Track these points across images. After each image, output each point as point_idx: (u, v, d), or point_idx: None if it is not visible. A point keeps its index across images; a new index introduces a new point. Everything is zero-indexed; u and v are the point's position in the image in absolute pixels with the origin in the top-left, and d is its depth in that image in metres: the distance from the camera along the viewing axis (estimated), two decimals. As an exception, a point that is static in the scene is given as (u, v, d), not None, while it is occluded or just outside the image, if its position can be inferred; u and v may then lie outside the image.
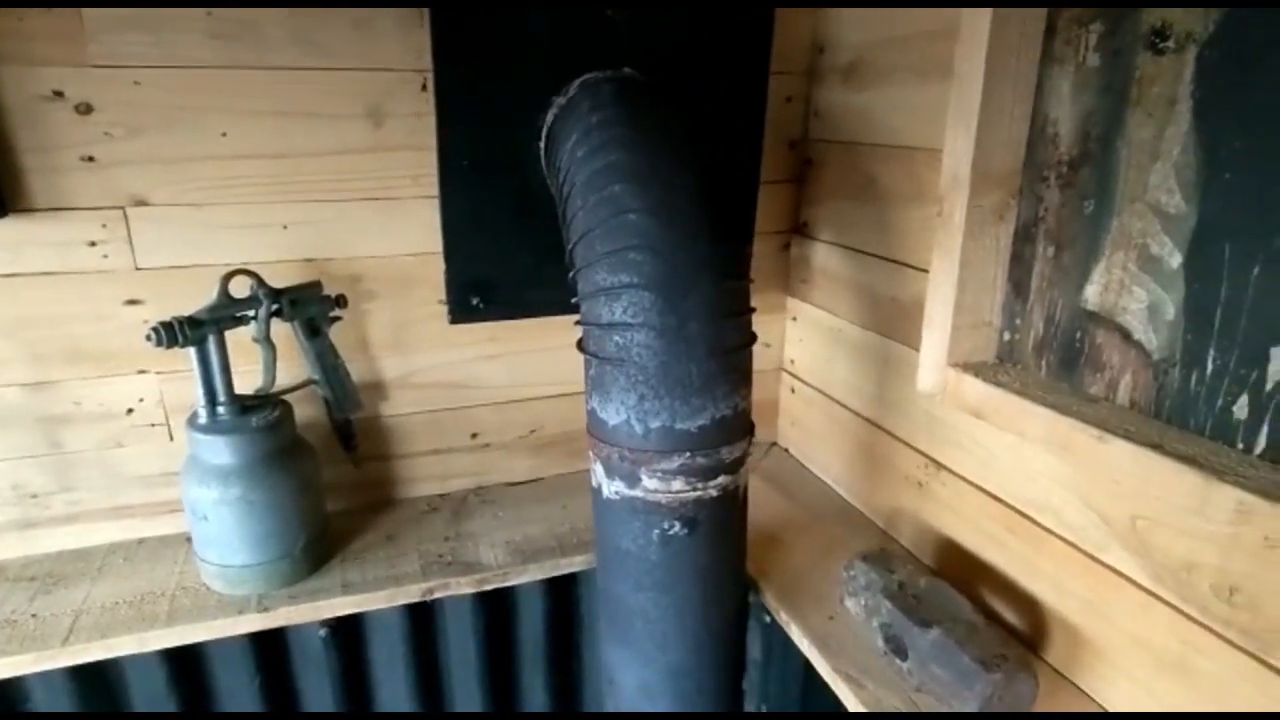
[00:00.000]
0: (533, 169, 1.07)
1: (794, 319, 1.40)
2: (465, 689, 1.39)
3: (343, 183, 1.11)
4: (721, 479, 0.89)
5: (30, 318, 1.04)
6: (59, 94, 0.97)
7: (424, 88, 1.10)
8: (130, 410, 1.12)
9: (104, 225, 1.04)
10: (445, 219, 1.08)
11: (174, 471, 1.16)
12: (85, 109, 0.99)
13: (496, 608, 1.31)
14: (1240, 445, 0.67)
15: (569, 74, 1.03)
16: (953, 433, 1.04)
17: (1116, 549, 0.82)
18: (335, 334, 1.13)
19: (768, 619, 1.24)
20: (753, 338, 0.90)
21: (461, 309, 1.12)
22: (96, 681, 1.14)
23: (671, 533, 0.90)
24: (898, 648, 0.91)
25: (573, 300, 0.92)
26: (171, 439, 1.15)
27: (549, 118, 1.02)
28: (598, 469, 0.92)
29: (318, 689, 1.31)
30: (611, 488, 0.90)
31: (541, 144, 1.05)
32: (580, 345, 0.91)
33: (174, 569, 1.13)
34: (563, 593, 1.34)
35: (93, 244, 1.04)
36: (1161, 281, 0.72)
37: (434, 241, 1.16)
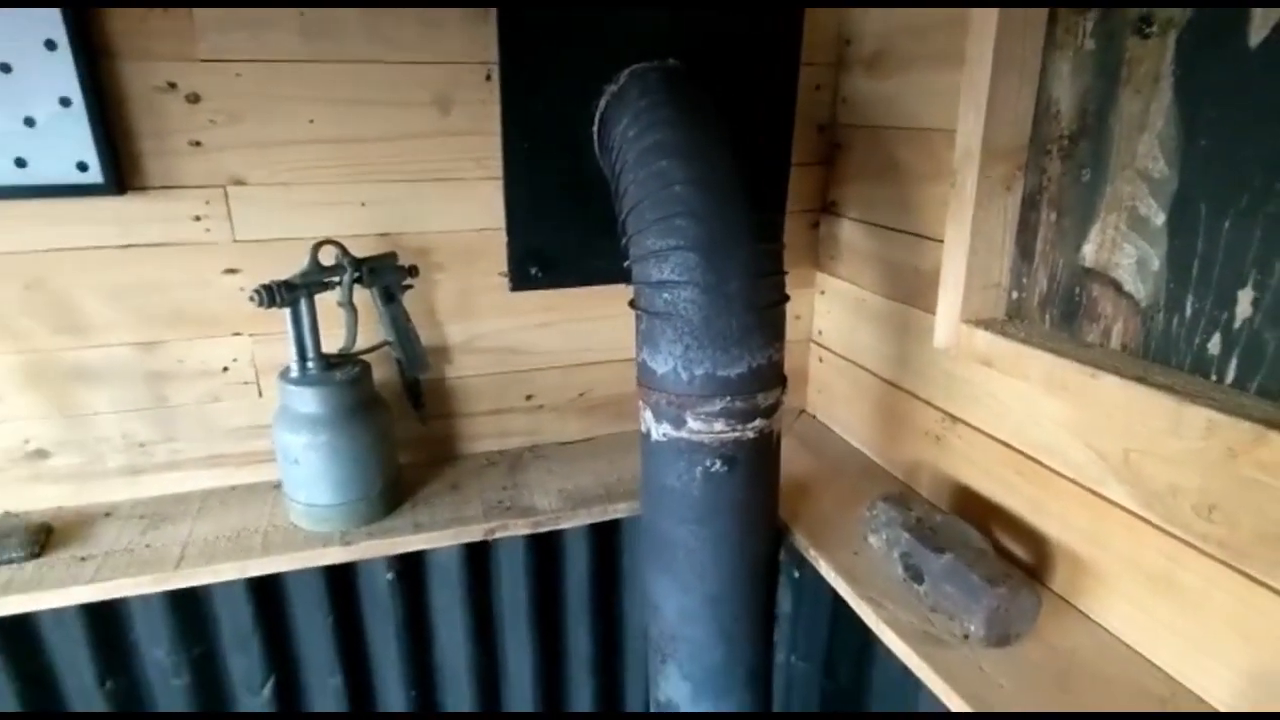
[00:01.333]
0: (586, 151, 1.19)
1: (822, 293, 1.51)
2: (516, 632, 1.52)
3: (413, 164, 1.23)
4: (758, 422, 1.00)
5: (141, 284, 1.18)
6: (172, 85, 1.11)
7: (488, 78, 1.22)
8: (226, 369, 1.26)
9: (207, 202, 1.17)
10: (508, 196, 1.20)
11: (263, 425, 1.30)
12: (194, 98, 1.12)
13: (546, 555, 1.43)
14: (1214, 377, 0.77)
15: (619, 65, 1.15)
16: (968, 388, 1.14)
17: (1113, 482, 0.92)
18: (407, 301, 1.26)
19: (796, 574, 1.35)
20: (785, 296, 1.01)
21: (521, 278, 1.24)
22: (191, 611, 1.29)
23: (713, 470, 1.01)
24: (915, 574, 1.01)
25: (625, 264, 1.03)
26: (260, 395, 1.29)
27: (601, 104, 1.14)
28: (647, 414, 1.04)
29: (383, 629, 1.44)
30: (659, 430, 1.02)
31: (595, 128, 1.16)
32: (632, 303, 1.03)
33: (264, 511, 1.26)
34: (607, 541, 1.46)
35: (197, 219, 1.17)
36: (1148, 238, 0.82)
37: (495, 219, 1.29)
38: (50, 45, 1.02)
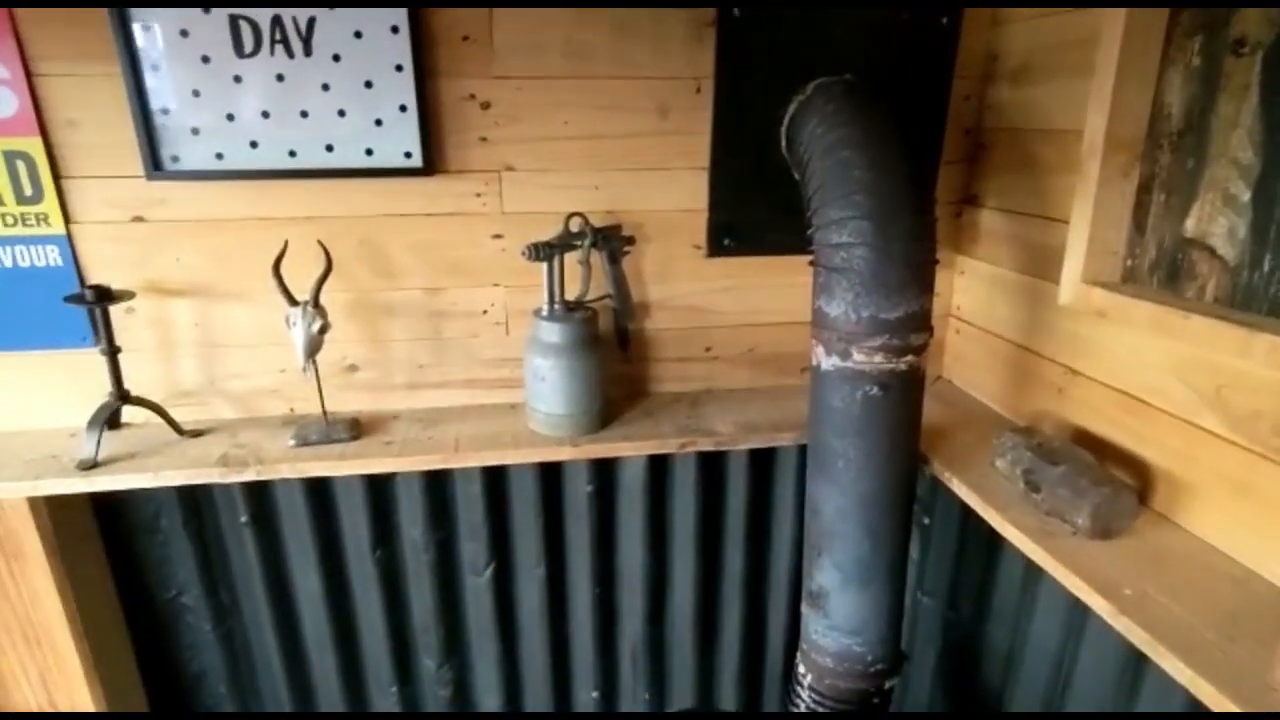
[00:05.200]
0: (772, 147, 1.51)
1: (961, 273, 1.76)
2: (683, 546, 1.85)
3: (636, 157, 1.58)
4: (909, 358, 1.28)
5: (435, 243, 1.59)
6: (472, 96, 1.51)
7: (698, 90, 1.55)
8: (485, 311, 1.65)
9: (486, 183, 1.56)
10: (712, 180, 1.54)
11: (508, 357, 1.68)
12: (485, 106, 1.52)
13: (713, 479, 1.75)
14: (1284, 317, 1.00)
15: (805, 79, 1.46)
16: (1088, 345, 1.37)
17: (1206, 413, 1.14)
18: (624, 264, 1.61)
19: (926, 521, 1.61)
20: (936, 259, 1.29)
21: (716, 246, 1.58)
22: (440, 501, 1.69)
23: (871, 394, 1.29)
24: (1034, 486, 1.26)
25: (808, 232, 1.34)
26: (508, 334, 1.67)
27: (791, 109, 1.45)
28: (819, 350, 1.33)
29: (579, 533, 1.80)
30: (829, 362, 1.31)
31: (783, 128, 1.47)
32: (812, 262, 1.33)
33: (508, 423, 1.63)
34: (764, 473, 1.77)
35: (478, 195, 1.57)
36: (1237, 211, 1.05)
37: (693, 202, 1.62)
38: (399, 68, 1.44)
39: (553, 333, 1.51)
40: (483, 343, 1.68)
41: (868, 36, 1.49)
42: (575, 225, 1.53)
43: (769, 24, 1.46)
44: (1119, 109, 1.17)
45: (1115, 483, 1.16)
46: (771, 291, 1.73)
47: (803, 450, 1.64)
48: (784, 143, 1.49)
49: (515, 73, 1.50)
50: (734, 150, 1.52)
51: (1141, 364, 1.24)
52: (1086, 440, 1.38)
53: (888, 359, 1.27)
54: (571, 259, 1.54)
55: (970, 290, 1.73)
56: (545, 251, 1.46)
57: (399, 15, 1.40)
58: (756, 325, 1.76)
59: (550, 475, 1.74)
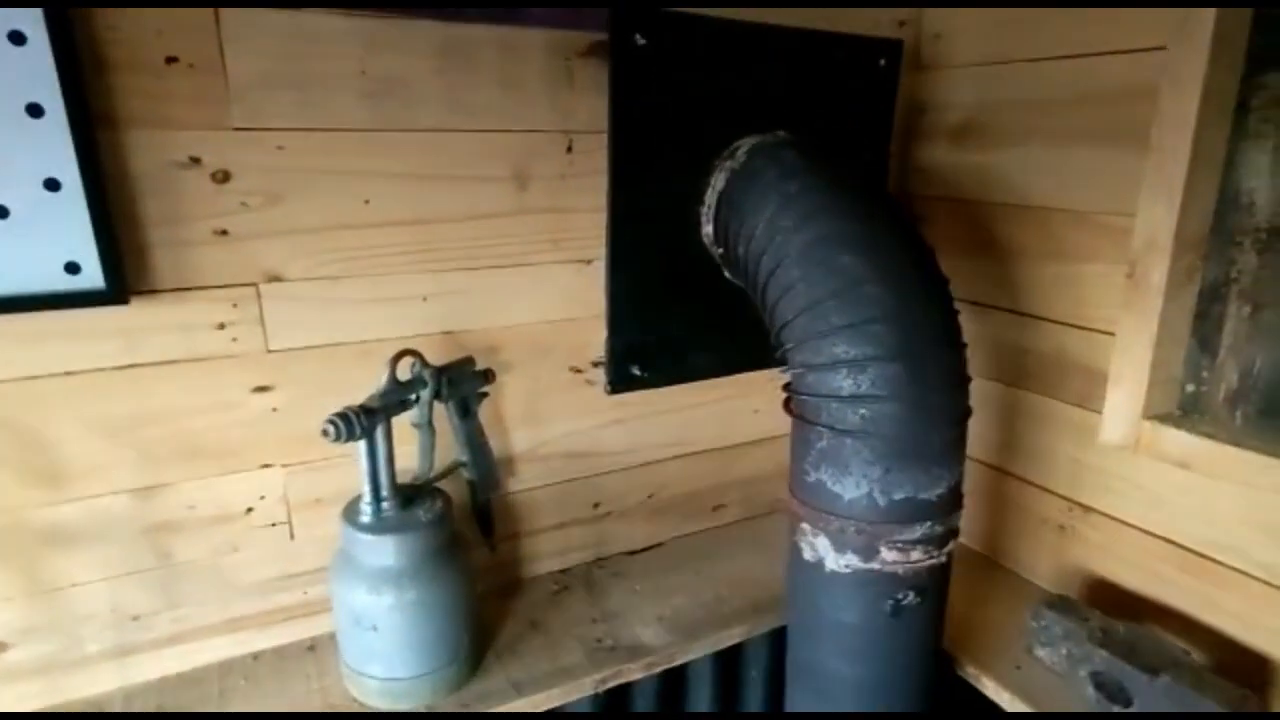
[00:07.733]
0: (691, 234, 1.05)
1: (885, 366, 1.43)
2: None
3: (484, 248, 1.04)
4: (951, 545, 0.90)
5: (146, 414, 0.91)
6: (195, 160, 0.86)
7: (568, 149, 1.05)
8: (250, 509, 1.00)
9: (234, 305, 0.92)
10: (611, 285, 1.02)
11: (291, 574, 1.05)
12: (222, 177, 0.88)
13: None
14: None
15: (727, 136, 1.02)
16: (1100, 476, 1.09)
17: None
18: (481, 412, 1.05)
19: None
20: (971, 408, 0.91)
21: (622, 378, 1.06)
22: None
23: (904, 602, 0.88)
24: (1114, 694, 0.93)
25: (784, 369, 0.90)
26: (292, 538, 1.03)
27: (719, 181, 1.00)
28: (820, 542, 0.89)
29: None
30: (841, 561, 0.88)
31: (707, 207, 1.02)
32: (792, 410, 0.89)
33: (309, 685, 1.00)
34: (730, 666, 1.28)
35: (221, 326, 0.92)
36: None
37: (569, 308, 1.11)
38: (34, 111, 0.76)
39: (386, 551, 0.91)
40: (248, 559, 1.02)
41: (798, 80, 1.08)
42: (406, 370, 0.94)
43: (689, 59, 0.99)
44: (1190, 199, 0.88)
45: (1250, 701, 0.86)
46: (675, 417, 1.27)
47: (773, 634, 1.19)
48: (710, 228, 1.03)
49: (272, 122, 0.88)
50: (638, 243, 1.03)
51: (1205, 513, 0.97)
52: (1114, 596, 1.09)
53: (928, 554, 0.87)
54: (404, 421, 0.95)
55: (903, 389, 1.40)
56: (363, 424, 0.86)
57: (26, 12, 0.73)
58: (657, 462, 1.28)
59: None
